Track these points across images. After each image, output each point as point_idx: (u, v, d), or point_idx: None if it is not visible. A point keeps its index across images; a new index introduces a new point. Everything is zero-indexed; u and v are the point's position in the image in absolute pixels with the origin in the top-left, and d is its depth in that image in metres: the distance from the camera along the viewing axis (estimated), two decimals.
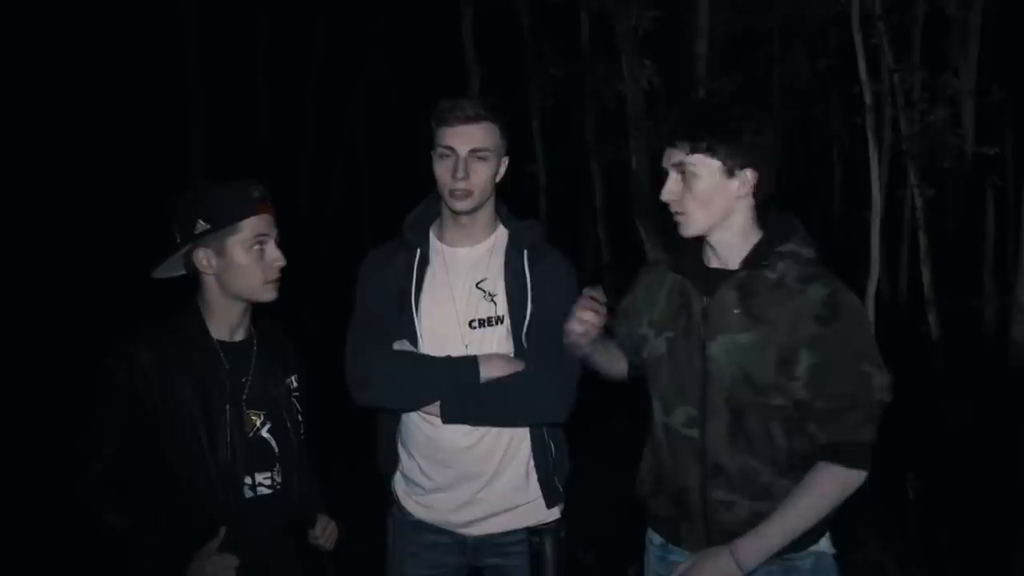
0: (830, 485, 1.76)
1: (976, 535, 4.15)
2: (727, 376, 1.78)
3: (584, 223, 12.76)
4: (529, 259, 2.07)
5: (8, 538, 3.94)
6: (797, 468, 1.78)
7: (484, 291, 2.05)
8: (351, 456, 2.76)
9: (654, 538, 2.00)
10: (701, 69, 8.10)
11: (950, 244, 8.32)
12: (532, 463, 2.10)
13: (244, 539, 1.82)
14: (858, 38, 6.72)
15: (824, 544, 1.87)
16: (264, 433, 1.91)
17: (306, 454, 2.01)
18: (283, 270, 1.90)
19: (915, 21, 8.16)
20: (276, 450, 1.92)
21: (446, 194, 2.00)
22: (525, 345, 2.02)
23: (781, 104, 12.16)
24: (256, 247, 1.85)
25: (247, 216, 1.83)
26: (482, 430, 2.05)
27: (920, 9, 8.11)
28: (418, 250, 2.09)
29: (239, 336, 1.93)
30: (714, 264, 1.86)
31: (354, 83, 15.50)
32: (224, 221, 1.82)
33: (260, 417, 1.91)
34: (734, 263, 1.82)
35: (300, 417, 2.00)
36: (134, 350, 1.80)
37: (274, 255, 1.87)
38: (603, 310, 1.91)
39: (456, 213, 2.03)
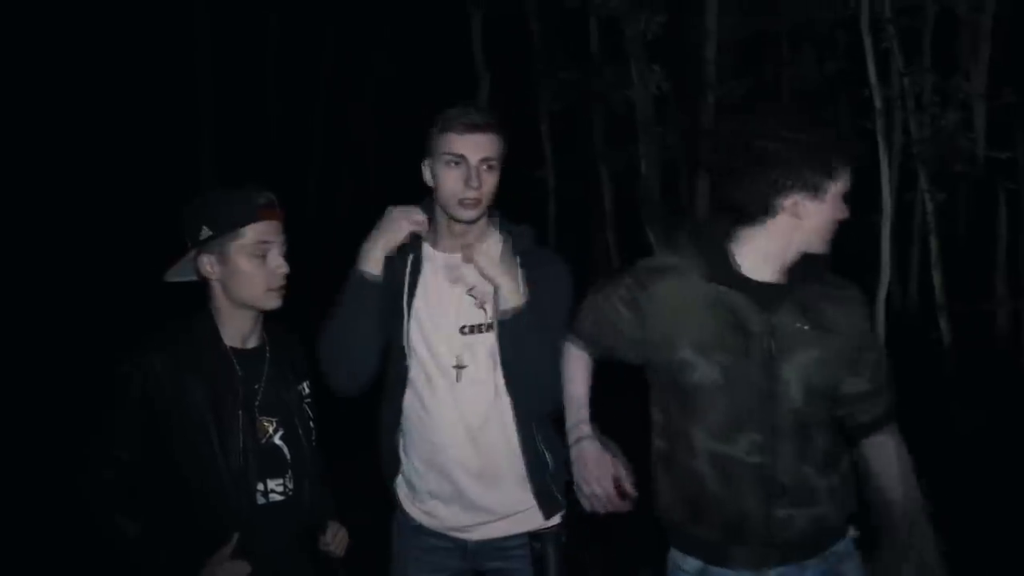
0: (903, 446, 1.87)
1: (986, 541, 4.13)
2: (801, 394, 1.75)
3: (593, 228, 12.73)
4: (523, 264, 2.07)
5: (18, 541, 3.95)
6: (829, 466, 1.81)
7: (475, 298, 2.06)
8: (358, 459, 2.76)
9: (686, 563, 1.88)
10: (710, 73, 8.07)
11: (961, 248, 8.26)
12: (527, 474, 2.09)
13: (256, 546, 1.83)
14: (868, 41, 6.68)
15: (851, 528, 1.91)
16: (276, 440, 1.91)
17: (318, 460, 2.02)
18: (288, 276, 1.89)
19: (925, 24, 8.10)
20: (288, 457, 1.92)
21: (454, 203, 2.00)
22: None
23: None
24: (259, 254, 1.84)
25: (249, 222, 1.83)
26: (480, 440, 2.06)
27: (930, 12, 8.05)
28: (410, 255, 2.09)
29: (252, 343, 1.94)
30: (754, 276, 1.79)
31: (363, 85, 15.53)
32: (226, 227, 1.83)
33: (272, 424, 1.91)
34: (777, 275, 1.80)
35: (312, 423, 2.01)
36: (148, 356, 1.81)
37: (277, 262, 1.87)
38: (628, 498, 1.89)
39: (461, 221, 2.03)
